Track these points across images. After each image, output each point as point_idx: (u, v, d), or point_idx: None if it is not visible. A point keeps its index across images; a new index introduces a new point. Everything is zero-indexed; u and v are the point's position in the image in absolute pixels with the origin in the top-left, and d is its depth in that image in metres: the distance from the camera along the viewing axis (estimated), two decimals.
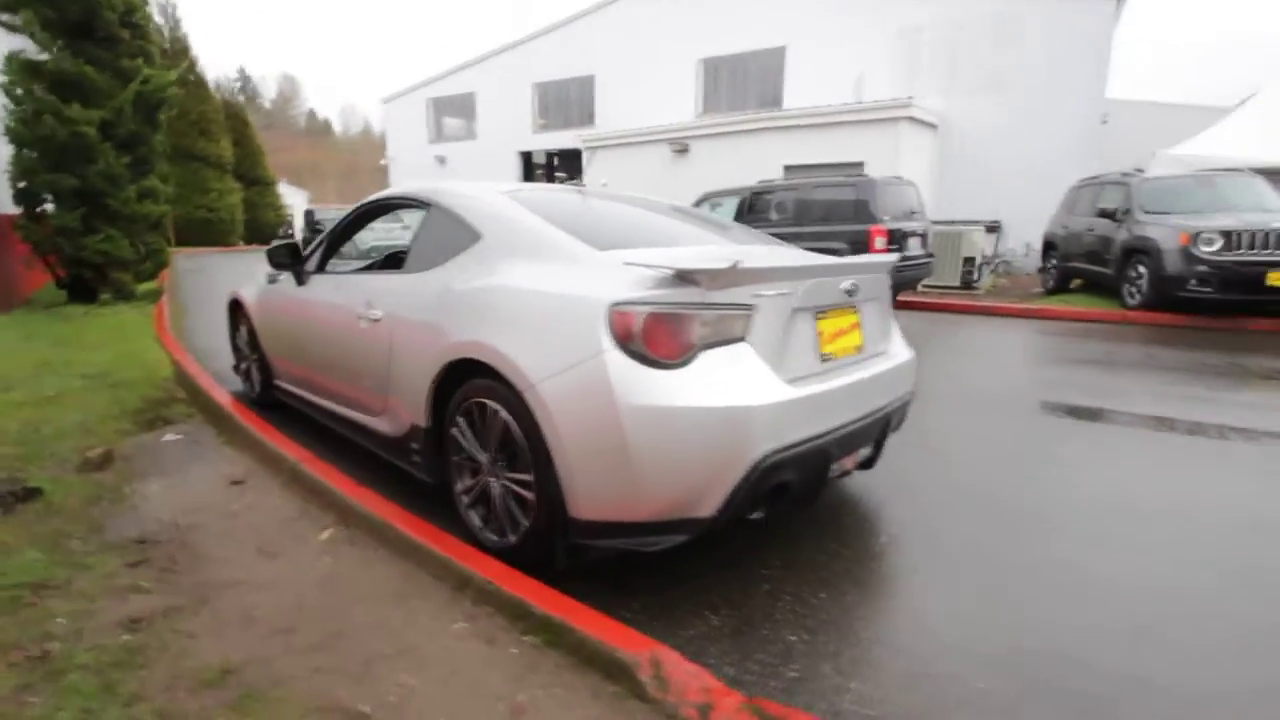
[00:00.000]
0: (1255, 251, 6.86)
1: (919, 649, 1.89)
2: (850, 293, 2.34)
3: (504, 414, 2.08)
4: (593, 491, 1.91)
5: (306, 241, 24.19)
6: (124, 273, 8.85)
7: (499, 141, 24.18)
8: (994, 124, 15.78)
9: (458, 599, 2.06)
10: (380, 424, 2.82)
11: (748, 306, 1.98)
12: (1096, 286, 9.30)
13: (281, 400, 3.94)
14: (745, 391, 1.90)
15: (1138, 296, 7.93)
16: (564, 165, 27.45)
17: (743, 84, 19.20)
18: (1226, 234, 6.97)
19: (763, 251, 2.64)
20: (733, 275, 1.91)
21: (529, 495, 2.08)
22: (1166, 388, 4.86)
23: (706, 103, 19.72)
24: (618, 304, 1.89)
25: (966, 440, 3.80)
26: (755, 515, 2.06)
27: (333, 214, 23.79)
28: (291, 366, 3.67)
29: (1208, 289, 7.05)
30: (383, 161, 28.43)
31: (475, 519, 2.34)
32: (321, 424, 3.53)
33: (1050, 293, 10.28)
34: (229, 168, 22.84)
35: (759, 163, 14.42)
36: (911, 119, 14.07)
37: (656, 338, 1.86)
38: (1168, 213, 7.88)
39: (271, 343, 3.85)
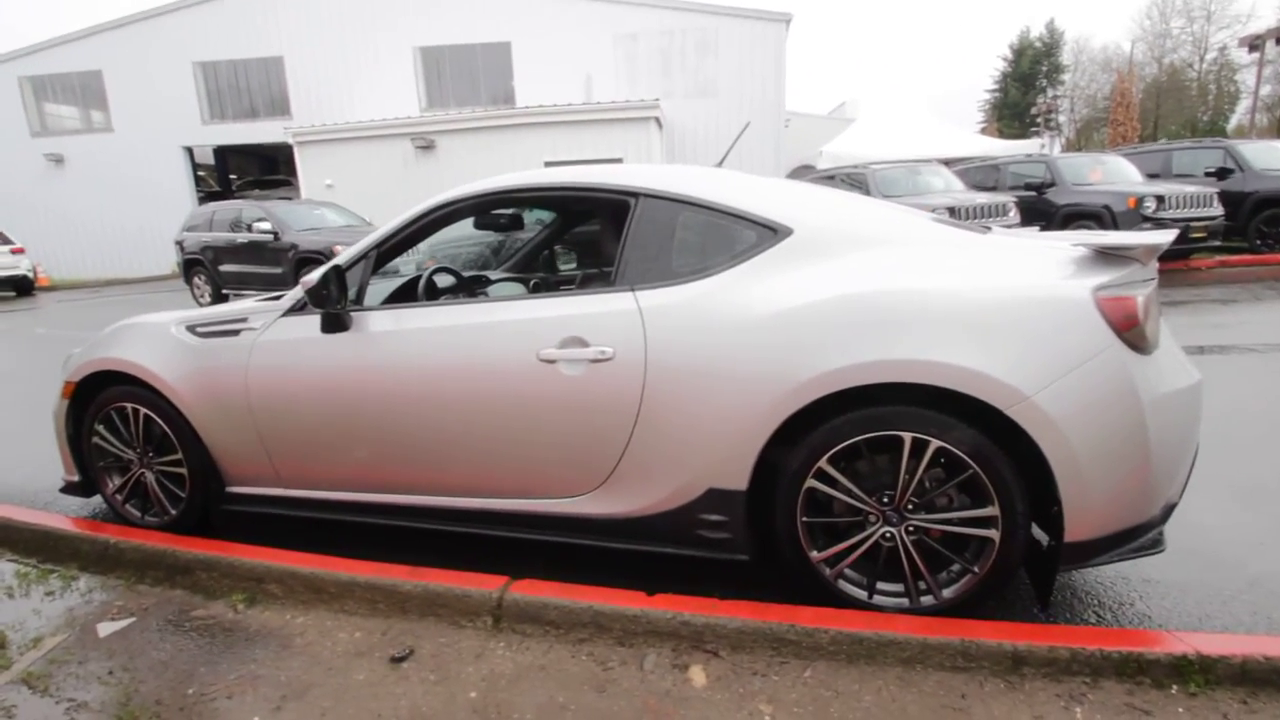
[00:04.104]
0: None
1: None
2: None
3: (940, 444, 1.80)
4: (1106, 503, 1.75)
5: None
6: None
7: (152, 135, 19.11)
8: (705, 126, 17.96)
9: None
10: (587, 506, 2.15)
11: (1154, 280, 1.92)
12: None
13: (233, 514, 2.68)
14: (1190, 365, 1.95)
15: None
16: (240, 165, 23.12)
17: (470, 78, 18.47)
18: (951, 209, 9.19)
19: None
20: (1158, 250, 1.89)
21: (989, 533, 1.82)
22: None
23: (431, 97, 18.48)
24: (1102, 288, 1.75)
25: None
26: None
27: None
28: (307, 465, 2.51)
29: None
30: None
31: (853, 588, 1.96)
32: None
33: None
34: None
35: (517, 160, 14.10)
36: (657, 119, 15.25)
37: (1149, 321, 1.77)
38: (899, 196, 10.04)
39: (242, 434, 2.54)
